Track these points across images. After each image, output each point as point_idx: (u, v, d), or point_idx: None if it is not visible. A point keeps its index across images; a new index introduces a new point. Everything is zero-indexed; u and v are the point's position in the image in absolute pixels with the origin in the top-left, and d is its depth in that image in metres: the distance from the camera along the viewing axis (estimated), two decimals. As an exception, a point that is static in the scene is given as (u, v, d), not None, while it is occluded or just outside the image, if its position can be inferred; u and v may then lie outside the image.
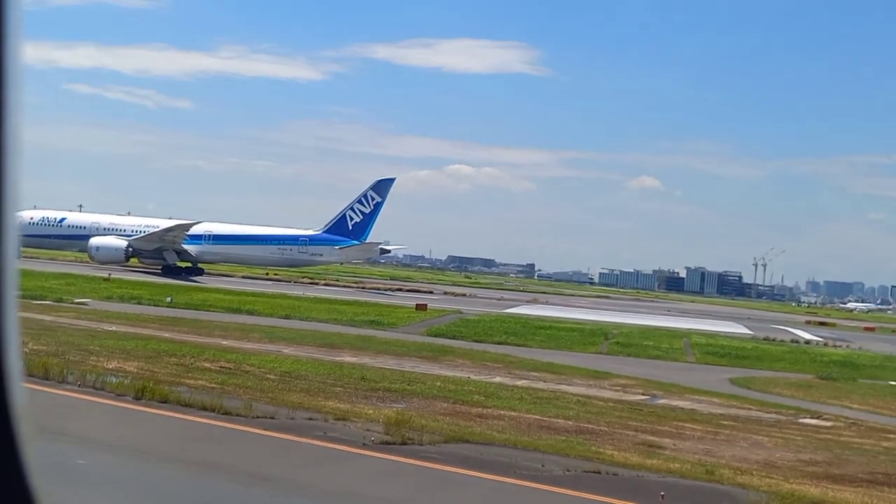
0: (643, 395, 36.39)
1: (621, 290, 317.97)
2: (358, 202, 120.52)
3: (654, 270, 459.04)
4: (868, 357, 64.69)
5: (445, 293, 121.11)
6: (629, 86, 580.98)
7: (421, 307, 76.05)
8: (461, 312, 76.02)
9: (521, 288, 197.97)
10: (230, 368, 33.12)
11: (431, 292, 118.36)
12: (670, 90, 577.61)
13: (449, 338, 53.90)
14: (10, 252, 3.73)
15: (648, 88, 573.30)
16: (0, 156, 3.64)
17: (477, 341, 52.78)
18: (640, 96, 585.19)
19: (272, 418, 23.96)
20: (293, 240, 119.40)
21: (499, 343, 53.09)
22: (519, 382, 36.77)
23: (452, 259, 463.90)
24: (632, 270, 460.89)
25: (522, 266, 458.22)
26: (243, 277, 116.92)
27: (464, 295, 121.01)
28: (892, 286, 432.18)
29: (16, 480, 4.04)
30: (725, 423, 30.70)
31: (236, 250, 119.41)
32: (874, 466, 24.86)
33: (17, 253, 3.81)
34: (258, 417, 23.84)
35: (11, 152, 3.66)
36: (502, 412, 28.63)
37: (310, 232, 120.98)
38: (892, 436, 30.91)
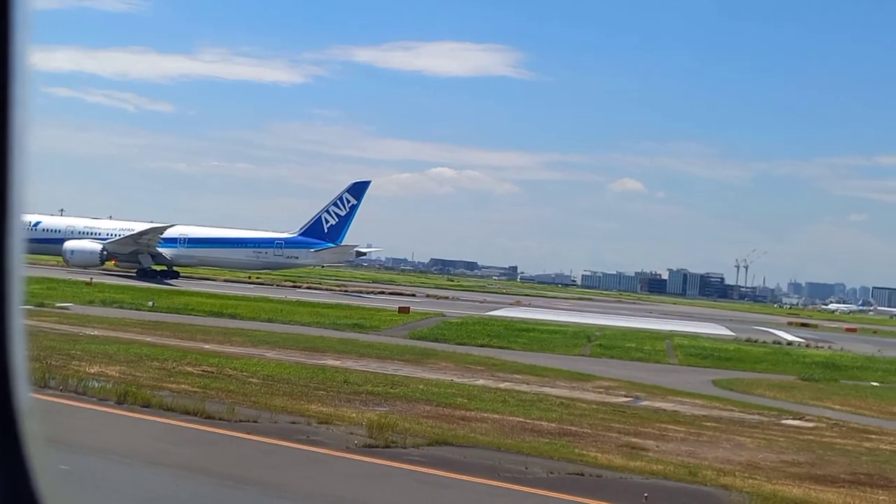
0: (626, 397, 36.44)
1: (604, 291, 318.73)
2: (333, 205, 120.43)
3: (636, 272, 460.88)
4: (849, 358, 64.94)
5: (428, 296, 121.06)
6: (612, 88, 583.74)
7: (404, 310, 75.96)
8: (444, 315, 76.02)
9: (504, 290, 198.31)
10: (212, 372, 33.01)
11: (414, 295, 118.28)
12: (653, 92, 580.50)
13: (432, 341, 53.87)
14: (16, 256, 3.72)
15: (631, 91, 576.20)
16: (6, 161, 3.64)
17: (460, 344, 52.83)
18: (622, 98, 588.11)
19: (255, 422, 23.91)
20: (268, 243, 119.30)
21: (482, 346, 53.11)
22: (502, 385, 36.77)
23: (435, 262, 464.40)
24: (614, 272, 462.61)
25: (505, 268, 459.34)
26: (225, 281, 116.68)
27: (446, 298, 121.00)
28: (874, 287, 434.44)
29: (21, 482, 4.04)
30: (708, 424, 30.78)
31: (211, 253, 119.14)
32: (856, 467, 24.98)
33: (23, 257, 3.81)
34: (241, 421, 23.79)
35: (17, 157, 3.65)
36: (485, 415, 28.64)
37: (285, 235, 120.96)
38: (873, 436, 31.06)
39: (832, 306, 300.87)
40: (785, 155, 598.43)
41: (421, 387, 33.79)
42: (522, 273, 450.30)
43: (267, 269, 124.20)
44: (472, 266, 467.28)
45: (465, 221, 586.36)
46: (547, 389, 36.44)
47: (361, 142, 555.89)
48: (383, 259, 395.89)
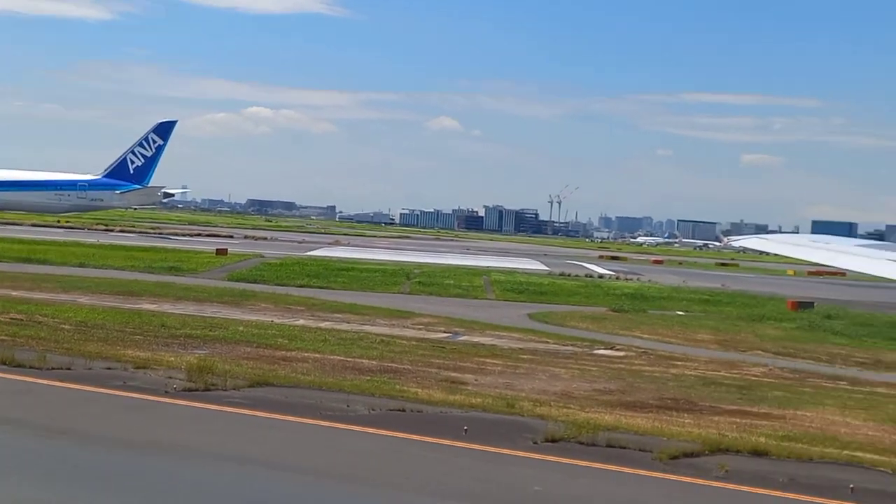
0: (445, 332, 37.05)
1: (422, 229, 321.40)
2: (139, 145, 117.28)
3: (453, 209, 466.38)
4: (656, 289, 67.62)
5: (246, 237, 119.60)
6: (427, 26, 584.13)
7: (221, 252, 74.89)
8: (262, 256, 75.33)
9: (323, 230, 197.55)
10: (21, 320, 31.92)
11: (232, 237, 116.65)
12: (468, 31, 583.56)
13: (251, 282, 53.45)
14: None
15: (447, 29, 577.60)
16: None
17: (279, 285, 52.59)
18: (438, 37, 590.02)
19: (68, 369, 23.31)
20: (71, 185, 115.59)
21: (301, 286, 52.98)
22: (322, 324, 36.86)
23: (252, 202, 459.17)
24: (432, 210, 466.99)
25: (323, 208, 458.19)
26: (33, 225, 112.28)
27: (265, 238, 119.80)
28: (679, 220, 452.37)
29: None
30: (525, 357, 31.64)
31: (8, 196, 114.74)
32: (663, 392, 26.18)
33: None
34: (53, 369, 23.14)
35: None
36: (306, 354, 28.71)
37: (89, 177, 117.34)
38: (679, 363, 32.56)
39: (640, 239, 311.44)
40: (596, 92, 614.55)
41: (241, 328, 33.56)
42: (341, 212, 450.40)
43: (72, 212, 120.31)
44: (290, 206, 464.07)
45: (282, 161, 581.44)
46: (367, 327, 36.73)
47: (176, 81, 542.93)
48: (199, 200, 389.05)
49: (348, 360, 28.29)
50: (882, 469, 18.06)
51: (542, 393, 24.70)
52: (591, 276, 79.46)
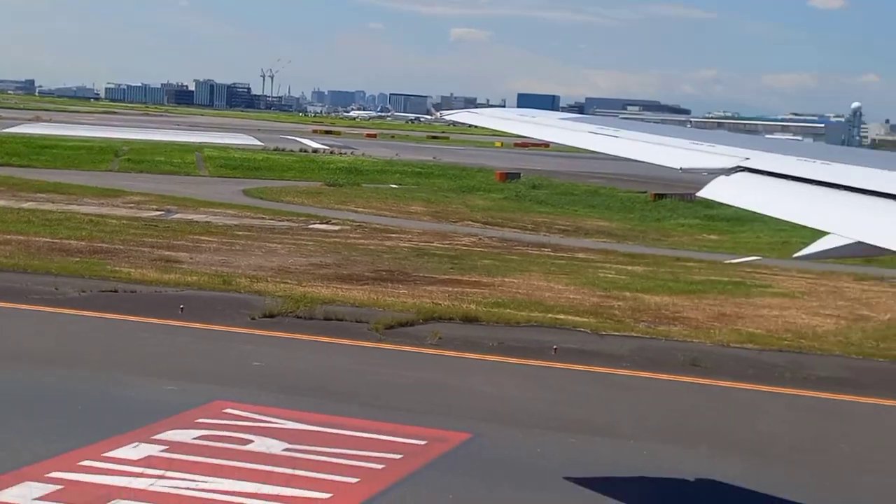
0: (158, 210, 36.28)
1: (130, 104, 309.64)
2: None
3: (162, 84, 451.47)
4: (370, 163, 68.49)
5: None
6: None
7: None
8: (-46, 134, 70.71)
9: (21, 105, 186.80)
10: None
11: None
12: None
13: (-58, 162, 50.24)
14: None
15: None
16: None
17: (-26, 165, 49.74)
18: None
19: None
20: None
21: (0, 165, 50.27)
22: (25, 205, 35.26)
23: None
24: (140, 84, 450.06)
25: (21, 82, 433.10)
26: None
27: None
28: (391, 94, 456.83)
29: None
30: (240, 233, 31.47)
31: None
32: (378, 265, 26.77)
33: None
34: None
35: None
36: (9, 237, 27.42)
37: None
38: (393, 235, 33.31)
39: (353, 113, 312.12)
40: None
41: (-66, 212, 31.61)
42: (41, 87, 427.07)
43: None
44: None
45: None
46: (74, 207, 35.45)
47: None
48: None
49: (55, 241, 27.24)
50: (582, 329, 19.35)
51: (259, 269, 24.73)
52: (305, 151, 79.44)
